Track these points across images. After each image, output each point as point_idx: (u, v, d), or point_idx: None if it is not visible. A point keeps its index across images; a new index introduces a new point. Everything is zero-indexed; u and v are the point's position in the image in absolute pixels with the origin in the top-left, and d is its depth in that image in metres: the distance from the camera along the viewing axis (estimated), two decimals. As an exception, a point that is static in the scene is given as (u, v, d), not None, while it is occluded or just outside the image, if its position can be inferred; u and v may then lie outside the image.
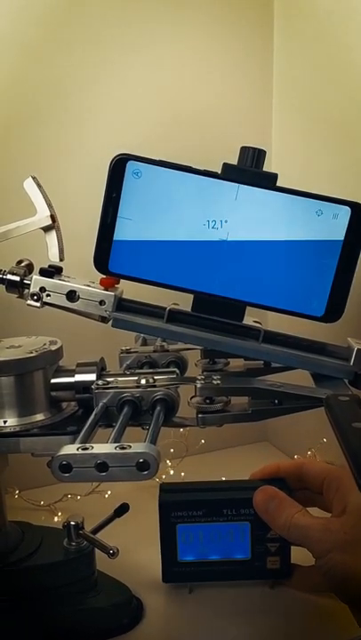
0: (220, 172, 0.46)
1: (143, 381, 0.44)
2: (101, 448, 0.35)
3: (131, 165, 0.46)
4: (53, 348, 0.50)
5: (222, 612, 0.56)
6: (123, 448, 0.35)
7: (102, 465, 0.34)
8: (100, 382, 0.45)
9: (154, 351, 0.55)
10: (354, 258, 0.46)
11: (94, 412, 0.42)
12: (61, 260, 0.51)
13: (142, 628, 0.55)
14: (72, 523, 0.53)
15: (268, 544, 0.57)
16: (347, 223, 0.46)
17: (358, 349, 0.47)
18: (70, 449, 0.35)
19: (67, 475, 0.35)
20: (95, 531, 0.56)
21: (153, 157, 0.46)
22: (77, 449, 0.35)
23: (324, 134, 0.73)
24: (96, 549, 0.54)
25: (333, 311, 0.47)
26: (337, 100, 0.70)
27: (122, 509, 0.59)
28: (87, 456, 0.34)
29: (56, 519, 0.74)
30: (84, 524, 0.55)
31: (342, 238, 0.46)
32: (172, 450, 0.83)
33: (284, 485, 0.58)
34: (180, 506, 0.56)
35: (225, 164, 0.45)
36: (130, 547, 0.64)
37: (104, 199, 0.47)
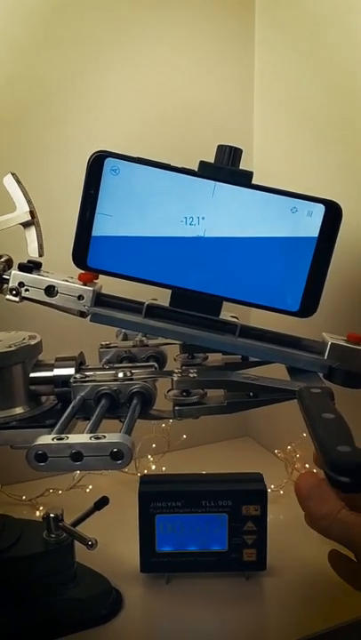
0: (197, 169, 0.46)
1: (121, 374, 0.45)
2: (76, 438, 0.36)
3: (109, 162, 0.47)
4: (32, 342, 0.51)
5: (199, 602, 0.57)
6: (97, 438, 0.35)
7: (77, 454, 0.35)
8: (77, 376, 0.46)
9: (133, 346, 0.56)
10: (327, 255, 0.47)
11: (71, 405, 0.43)
12: (41, 255, 0.52)
13: (121, 619, 0.55)
14: (52, 515, 0.54)
15: (244, 536, 0.58)
16: (321, 221, 0.47)
17: (332, 343, 0.48)
18: (46, 439, 0.36)
19: (42, 464, 0.35)
20: (75, 523, 0.56)
21: (131, 154, 0.47)
22: (53, 439, 0.36)
23: (305, 131, 0.74)
24: (75, 541, 0.55)
25: (308, 306, 0.48)
26: (318, 96, 0.71)
27: (101, 502, 0.59)
28: (62, 446, 0.35)
29: (38, 513, 0.74)
30: (65, 517, 0.55)
31: (316, 235, 0.47)
32: (153, 445, 0.84)
33: (262, 479, 0.60)
34: (159, 496, 0.57)
35: (201, 162, 0.46)
36: (109, 539, 0.64)
37: (82, 195, 0.47)
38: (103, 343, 0.57)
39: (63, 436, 0.36)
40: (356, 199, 0.64)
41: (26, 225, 0.51)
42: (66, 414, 0.41)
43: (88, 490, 0.77)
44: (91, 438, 0.35)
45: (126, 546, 0.63)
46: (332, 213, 0.46)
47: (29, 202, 0.51)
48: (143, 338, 0.56)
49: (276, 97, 0.80)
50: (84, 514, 0.58)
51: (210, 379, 0.46)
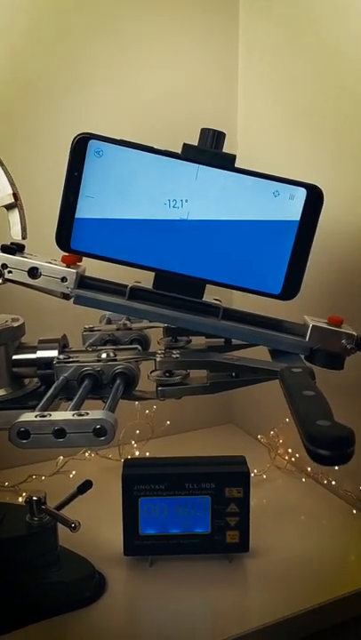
0: (180, 152, 0.46)
1: (104, 355, 0.45)
2: (59, 415, 0.36)
3: (92, 145, 0.46)
4: (15, 324, 0.51)
5: (182, 584, 0.58)
6: (80, 415, 0.35)
7: (60, 431, 0.35)
8: (61, 357, 0.46)
9: (117, 329, 0.56)
10: (309, 238, 0.48)
11: (54, 385, 0.43)
12: (24, 238, 0.52)
13: (105, 601, 0.56)
14: (34, 498, 0.54)
15: (227, 518, 0.59)
16: (303, 204, 0.47)
17: (314, 326, 0.49)
18: (29, 416, 0.36)
19: (25, 441, 0.35)
20: (58, 507, 0.56)
21: (114, 137, 0.47)
22: (35, 416, 0.36)
23: (288, 115, 0.74)
24: (59, 525, 0.55)
25: (290, 289, 0.48)
26: (303, 80, 0.71)
27: (85, 486, 0.59)
28: (45, 423, 0.35)
29: (20, 499, 0.74)
30: (48, 502, 0.55)
31: (298, 219, 0.47)
32: (137, 431, 0.85)
33: (245, 462, 0.60)
34: (142, 479, 0.57)
35: (185, 145, 0.46)
36: (93, 525, 0.65)
37: (66, 177, 0.47)
38: (87, 327, 0.57)
39: (46, 413, 0.36)
40: (338, 184, 0.65)
41: (9, 207, 0.51)
42: (49, 394, 0.41)
43: (71, 475, 0.77)
44: (73, 415, 0.36)
45: (110, 531, 0.63)
46: (314, 197, 0.47)
47: (12, 184, 0.51)
48: (127, 321, 0.56)
49: (260, 83, 0.80)
50: (68, 498, 0.58)
51: (193, 359, 0.47)
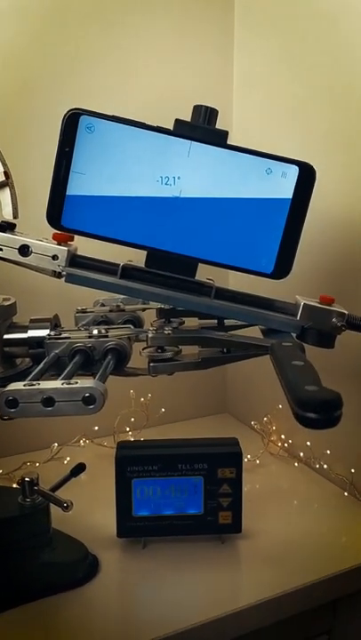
0: (172, 128, 0.46)
1: (95, 332, 0.45)
2: (48, 384, 0.36)
3: (84, 120, 0.46)
4: (6, 304, 0.50)
5: (175, 566, 0.58)
6: (69, 384, 0.35)
7: (49, 400, 0.35)
8: (52, 333, 0.46)
9: (110, 311, 0.56)
10: (301, 216, 0.48)
11: (44, 360, 0.43)
12: (15, 217, 0.51)
13: (97, 582, 0.56)
14: (27, 479, 0.54)
15: (220, 499, 0.59)
16: (295, 182, 0.47)
17: (305, 304, 0.49)
18: (17, 385, 0.36)
19: (13, 410, 0.35)
20: (52, 490, 0.56)
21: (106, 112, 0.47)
22: (24, 385, 0.36)
23: (283, 111, 0.74)
24: (51, 506, 0.55)
25: (282, 268, 0.48)
26: (296, 76, 0.71)
27: (78, 469, 0.60)
28: (34, 391, 0.35)
29: (15, 486, 0.74)
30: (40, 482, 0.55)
31: (290, 197, 0.47)
32: (132, 419, 0.85)
33: (238, 443, 0.60)
34: (136, 460, 0.57)
35: (177, 120, 0.46)
36: (86, 509, 0.65)
37: (57, 153, 0.47)
38: (79, 308, 0.56)
39: (34, 382, 0.36)
40: (332, 164, 0.65)
41: (0, 186, 0.51)
42: (38, 368, 0.41)
43: (65, 462, 0.77)
44: (63, 384, 0.35)
45: (104, 515, 0.63)
46: (306, 175, 0.47)
47: (4, 163, 0.51)
48: (120, 303, 0.56)
49: (255, 77, 0.80)
50: (61, 480, 0.58)
51: (184, 335, 0.47)
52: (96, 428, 0.82)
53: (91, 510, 0.66)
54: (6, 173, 0.50)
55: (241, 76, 0.83)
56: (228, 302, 0.49)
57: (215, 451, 0.59)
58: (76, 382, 0.36)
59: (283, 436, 0.81)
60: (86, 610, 0.52)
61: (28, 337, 0.49)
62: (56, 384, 0.36)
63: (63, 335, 0.45)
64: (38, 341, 0.49)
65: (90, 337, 0.45)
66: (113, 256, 0.51)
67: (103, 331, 0.45)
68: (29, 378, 0.38)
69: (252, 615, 0.53)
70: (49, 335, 0.45)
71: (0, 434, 0.79)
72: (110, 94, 0.76)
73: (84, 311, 0.56)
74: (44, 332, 0.49)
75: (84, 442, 0.83)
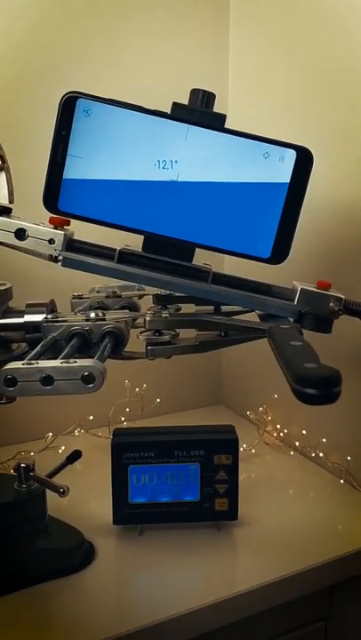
0: (170, 111, 0.46)
1: (93, 315, 0.45)
2: (47, 363, 0.36)
3: (81, 103, 0.46)
4: (1, 288, 0.50)
5: (171, 553, 0.58)
6: (68, 362, 0.35)
7: (48, 378, 0.35)
8: (49, 316, 0.45)
9: (106, 297, 0.56)
10: (299, 201, 0.48)
11: (41, 343, 0.43)
12: (11, 202, 0.51)
13: (94, 569, 0.56)
14: (23, 465, 0.54)
15: (216, 486, 0.59)
16: (292, 166, 0.47)
17: (302, 289, 0.49)
18: (15, 364, 0.36)
19: (11, 389, 0.35)
20: (48, 477, 0.56)
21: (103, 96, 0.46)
22: (22, 364, 0.36)
23: (279, 98, 0.74)
24: (48, 498, 0.55)
25: (279, 253, 0.48)
26: (291, 61, 0.71)
27: (74, 456, 0.59)
28: (33, 370, 0.35)
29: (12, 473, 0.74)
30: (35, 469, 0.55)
31: (288, 181, 0.47)
32: (127, 409, 0.85)
33: (234, 430, 0.60)
34: (132, 447, 0.57)
35: (174, 104, 0.46)
36: (83, 499, 0.65)
37: (53, 137, 0.47)
38: (75, 294, 0.56)
39: (33, 361, 0.36)
40: (330, 149, 0.65)
41: (-4, 171, 0.51)
42: (35, 350, 0.41)
43: (60, 451, 0.77)
44: (62, 363, 0.35)
45: (99, 504, 0.63)
46: (304, 159, 0.47)
47: (-1, 147, 0.50)
48: (116, 290, 0.56)
49: (250, 68, 0.80)
50: (57, 468, 0.58)
51: (182, 318, 0.47)
52: (91, 417, 0.82)
53: (86, 499, 0.66)
54: (2, 157, 0.50)
55: (237, 62, 0.82)
56: (225, 287, 0.49)
57: (212, 437, 0.59)
58: (75, 361, 0.36)
59: (278, 426, 0.81)
60: (82, 596, 0.52)
61: (25, 321, 0.49)
62: (55, 363, 0.36)
63: (60, 319, 0.45)
64: (35, 326, 0.49)
65: (87, 320, 0.45)
66: (110, 241, 0.51)
67: (101, 314, 0.45)
68: (27, 358, 0.37)
69: (247, 600, 0.53)
70: (46, 318, 0.45)
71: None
72: (107, 81, 0.76)
73: (80, 297, 0.56)
74: (40, 317, 0.48)
75: (78, 432, 0.82)
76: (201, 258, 0.51)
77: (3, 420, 0.80)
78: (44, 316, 0.47)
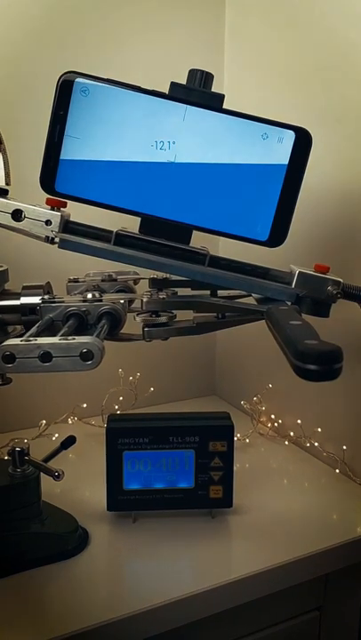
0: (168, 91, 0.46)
1: (89, 296, 0.45)
2: (46, 340, 0.35)
3: (78, 83, 0.46)
4: (-2, 270, 0.50)
5: (165, 540, 0.57)
6: (67, 339, 0.35)
7: (46, 355, 0.34)
8: (46, 297, 0.45)
9: (102, 280, 0.55)
10: (297, 182, 0.47)
11: (38, 323, 0.42)
12: (7, 183, 0.51)
13: (87, 555, 0.55)
14: (17, 449, 0.53)
15: (211, 473, 0.59)
16: (291, 147, 0.47)
17: (300, 272, 0.49)
18: (14, 341, 0.35)
19: (10, 365, 0.35)
20: (44, 462, 0.56)
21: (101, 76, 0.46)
22: (21, 341, 0.35)
23: (277, 80, 0.74)
24: (42, 478, 0.55)
25: (277, 236, 0.48)
26: (289, 43, 0.71)
27: (68, 441, 0.59)
28: (31, 346, 0.35)
29: (7, 459, 0.74)
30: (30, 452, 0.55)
31: (286, 162, 0.47)
32: (121, 398, 0.84)
33: (230, 417, 0.60)
34: (126, 432, 0.57)
35: (172, 83, 0.46)
36: (76, 486, 0.65)
37: (51, 117, 0.46)
38: (71, 278, 0.56)
39: (31, 338, 0.35)
40: (329, 131, 0.65)
41: (-9, 152, 0.50)
42: (33, 329, 0.40)
43: (54, 438, 0.76)
44: (60, 340, 0.35)
45: (93, 491, 0.63)
46: (303, 140, 0.47)
47: (-5, 128, 0.50)
48: (112, 273, 0.56)
49: (246, 54, 0.80)
50: (51, 453, 0.58)
51: (179, 299, 0.46)
52: (84, 405, 0.82)
53: (80, 486, 0.65)
54: (-2, 138, 0.50)
55: (233, 44, 0.82)
56: (222, 270, 0.48)
57: (207, 424, 0.58)
58: (74, 338, 0.35)
59: (273, 416, 0.81)
60: (75, 582, 0.52)
61: (21, 303, 0.49)
62: (53, 339, 0.35)
63: (58, 299, 0.45)
64: (31, 308, 0.48)
65: (84, 301, 0.45)
66: (109, 223, 0.51)
67: (98, 295, 0.45)
68: (26, 335, 0.37)
69: (240, 588, 0.53)
70: (43, 299, 0.45)
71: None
72: (103, 62, 0.75)
73: (75, 281, 0.55)
74: (37, 299, 0.48)
75: (72, 420, 0.82)
76: (199, 241, 0.50)
77: (-5, 409, 0.79)
78: (40, 297, 0.46)
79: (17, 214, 0.47)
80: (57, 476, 0.51)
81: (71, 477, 0.65)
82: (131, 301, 0.50)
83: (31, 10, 0.72)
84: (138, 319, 0.46)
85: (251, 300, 0.51)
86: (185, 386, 0.94)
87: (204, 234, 0.49)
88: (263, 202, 0.48)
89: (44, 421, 0.79)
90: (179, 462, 0.58)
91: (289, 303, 0.49)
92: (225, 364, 0.94)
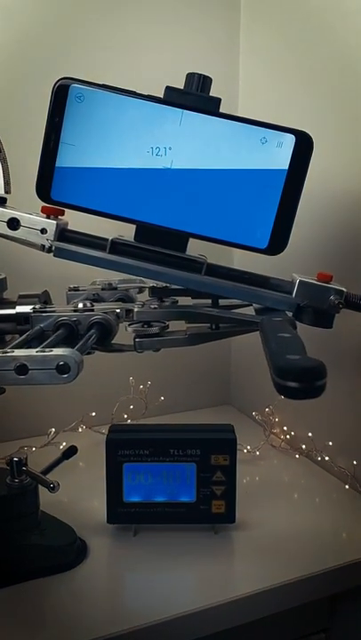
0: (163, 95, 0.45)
1: (80, 305, 0.44)
2: (22, 352, 0.35)
3: (73, 89, 0.45)
4: (-6, 278, 0.49)
5: (166, 555, 0.56)
6: (44, 352, 0.34)
7: (22, 367, 0.34)
8: (38, 307, 0.44)
9: (102, 289, 0.54)
10: (298, 188, 0.46)
11: (27, 333, 0.42)
12: (7, 192, 0.50)
13: (85, 568, 0.54)
14: (15, 459, 0.53)
15: (213, 487, 0.57)
16: (291, 152, 0.45)
17: (301, 281, 0.47)
18: (-10, 352, 0.35)
19: (-15, 378, 0.34)
20: (44, 473, 0.55)
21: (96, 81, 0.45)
22: (-2, 352, 0.35)
23: (291, 83, 0.72)
24: (42, 490, 0.54)
25: (277, 243, 0.47)
26: (303, 46, 0.69)
27: (70, 452, 0.58)
28: (7, 358, 0.34)
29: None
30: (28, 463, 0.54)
31: (286, 167, 0.45)
32: (131, 407, 0.83)
33: (233, 430, 0.59)
34: (126, 444, 0.56)
35: (167, 87, 0.45)
36: (80, 496, 0.64)
37: (47, 124, 0.46)
38: (71, 286, 0.55)
39: (8, 350, 0.35)
40: (335, 135, 0.63)
41: (-9, 160, 0.50)
42: (20, 339, 0.40)
43: (61, 447, 0.76)
44: (37, 352, 0.34)
45: (96, 501, 0.62)
46: (303, 144, 0.45)
47: (-6, 136, 0.50)
48: (112, 282, 0.55)
49: (261, 54, 0.78)
50: (52, 463, 0.57)
51: (170, 310, 0.45)
52: (93, 413, 0.81)
53: (83, 497, 0.65)
54: (-3, 146, 0.49)
55: (248, 48, 0.81)
56: (219, 279, 0.47)
57: (209, 436, 0.57)
58: (51, 350, 0.34)
59: (285, 428, 0.79)
60: (73, 595, 0.51)
61: (16, 313, 0.48)
62: (30, 352, 0.35)
63: (49, 309, 0.44)
64: (26, 317, 0.48)
65: (75, 311, 0.44)
66: (108, 232, 0.50)
67: (89, 304, 0.44)
68: (8, 347, 0.36)
69: (242, 607, 0.51)
70: (34, 309, 0.44)
71: (-1, 420, 0.79)
72: (114, 71, 0.75)
73: (76, 289, 0.55)
74: (28, 308, 0.47)
75: (82, 428, 0.81)
76: (210, 251, 0.49)
77: (6, 416, 0.79)
78: (32, 307, 0.46)
79: (13, 223, 0.47)
80: (52, 488, 0.51)
81: (76, 486, 0.64)
82: (129, 311, 0.49)
83: (31, 19, 0.71)
84: (130, 329, 0.45)
85: (252, 310, 0.50)
86: (198, 395, 0.92)
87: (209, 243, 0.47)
88: (262, 208, 0.46)
89: (53, 429, 0.79)
90: (180, 475, 0.57)
91: (290, 313, 0.47)
92: (240, 372, 0.92)
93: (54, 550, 0.54)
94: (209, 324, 0.46)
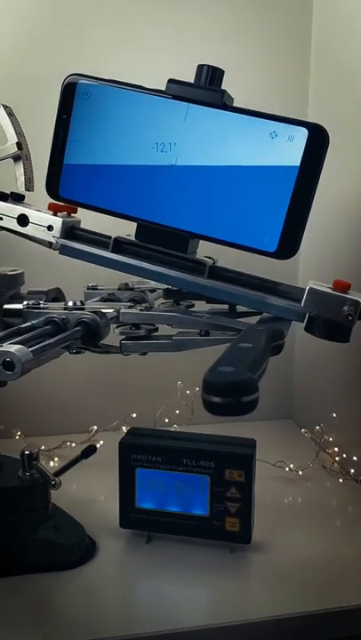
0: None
1: (70, 303, 0.43)
2: (-27, 345, 0.35)
3: (81, 86, 0.45)
4: (10, 273, 0.50)
5: (177, 566, 0.54)
6: (-6, 347, 0.34)
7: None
8: (30, 302, 0.45)
9: (118, 289, 0.54)
10: (311, 186, 0.41)
11: (17, 326, 0.42)
12: (28, 190, 0.51)
13: (94, 568, 0.54)
14: (26, 452, 0.54)
15: (227, 503, 0.54)
16: (303, 147, 0.41)
17: (310, 288, 0.42)
18: None
19: None
20: (62, 470, 0.56)
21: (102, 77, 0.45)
22: None
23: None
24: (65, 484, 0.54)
25: (287, 247, 0.42)
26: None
27: (89, 451, 0.58)
28: None
29: (52, 464, 0.76)
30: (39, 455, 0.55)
31: (298, 164, 0.41)
32: (177, 411, 0.82)
33: (254, 445, 0.55)
34: (139, 449, 0.55)
35: (170, 80, 0.43)
36: (100, 497, 0.64)
37: (55, 121, 0.46)
38: (89, 285, 0.55)
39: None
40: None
41: (15, 158, 0.51)
42: (5, 332, 0.40)
43: (99, 445, 0.76)
44: (-12, 346, 0.34)
45: (115, 504, 0.61)
46: (317, 138, 0.41)
47: (19, 134, 0.51)
48: (129, 282, 0.54)
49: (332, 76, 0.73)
50: (71, 461, 0.57)
51: (154, 313, 0.43)
52: (134, 415, 0.80)
53: (102, 498, 0.64)
54: (19, 144, 0.50)
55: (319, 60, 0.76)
56: (223, 283, 0.44)
57: (224, 450, 0.54)
58: (1, 346, 0.34)
59: (336, 449, 0.73)
60: (75, 594, 0.51)
61: (9, 308, 0.49)
62: (-17, 345, 0.34)
63: (43, 306, 0.44)
64: (20, 312, 0.48)
65: (65, 309, 0.43)
66: (122, 230, 0.49)
67: (79, 303, 0.43)
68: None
69: (250, 632, 0.47)
70: (27, 304, 0.44)
71: (46, 414, 0.81)
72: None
73: (94, 288, 0.55)
74: (20, 305, 0.47)
75: (125, 428, 0.81)
76: (223, 256, 0.46)
77: (52, 411, 0.82)
78: (25, 303, 0.46)
79: (23, 219, 0.48)
80: (53, 485, 0.51)
81: (98, 488, 0.64)
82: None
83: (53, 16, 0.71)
84: (117, 331, 0.44)
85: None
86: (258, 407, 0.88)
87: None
88: (271, 209, 0.43)
89: (95, 427, 0.79)
90: (193, 487, 0.54)
91: (303, 324, 0.43)
92: (303, 386, 0.87)
93: (61, 547, 0.54)
94: (198, 330, 0.43)
